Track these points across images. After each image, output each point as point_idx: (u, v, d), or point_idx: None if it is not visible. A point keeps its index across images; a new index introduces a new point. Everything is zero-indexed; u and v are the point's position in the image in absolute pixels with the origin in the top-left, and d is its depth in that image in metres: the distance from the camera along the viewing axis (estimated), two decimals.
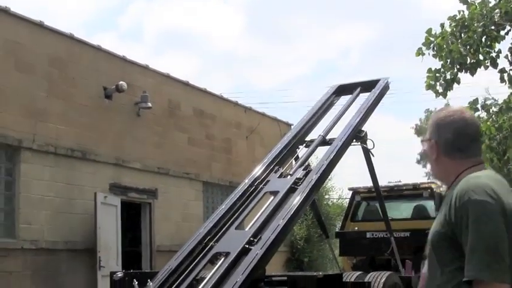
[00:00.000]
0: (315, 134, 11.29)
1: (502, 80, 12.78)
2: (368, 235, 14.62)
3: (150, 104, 17.25)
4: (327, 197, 28.78)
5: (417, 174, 72.07)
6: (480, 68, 12.49)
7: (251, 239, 7.81)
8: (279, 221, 8.05)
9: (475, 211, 2.98)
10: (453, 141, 3.35)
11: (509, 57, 12.78)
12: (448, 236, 3.09)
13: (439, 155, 3.39)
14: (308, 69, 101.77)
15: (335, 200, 30.56)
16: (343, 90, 12.70)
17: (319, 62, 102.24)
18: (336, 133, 10.81)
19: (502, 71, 12.63)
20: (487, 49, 12.45)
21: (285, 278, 7.63)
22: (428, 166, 3.57)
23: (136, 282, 6.12)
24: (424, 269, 3.39)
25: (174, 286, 7.31)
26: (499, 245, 2.95)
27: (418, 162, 70.93)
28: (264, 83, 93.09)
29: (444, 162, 3.39)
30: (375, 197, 13.01)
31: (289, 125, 22.82)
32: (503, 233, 2.97)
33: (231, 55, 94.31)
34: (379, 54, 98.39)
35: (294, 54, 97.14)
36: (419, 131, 71.79)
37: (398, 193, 15.68)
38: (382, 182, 15.53)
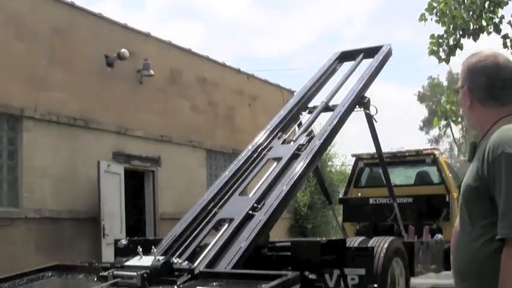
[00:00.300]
0: (317, 101, 11.31)
1: (505, 45, 12.72)
2: (371, 201, 14.70)
3: (152, 72, 17.21)
4: (330, 163, 28.83)
5: (420, 141, 72.25)
6: (483, 33, 12.43)
7: (255, 205, 7.83)
8: (282, 187, 8.08)
9: (508, 165, 2.89)
10: (487, 87, 3.24)
11: None
12: (480, 190, 3.02)
13: (472, 102, 3.29)
14: (312, 38, 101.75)
15: (338, 167, 30.66)
16: (346, 56, 12.70)
17: (322, 30, 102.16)
18: (338, 99, 10.82)
19: (505, 36, 12.57)
20: (490, 15, 12.39)
21: (289, 243, 7.65)
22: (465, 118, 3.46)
23: (141, 249, 6.12)
24: (456, 223, 3.30)
25: (178, 252, 7.31)
26: None
27: (421, 128, 71.01)
28: (268, 52, 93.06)
29: (478, 110, 3.28)
30: (378, 163, 13.05)
31: (292, 92, 22.72)
32: None
33: (235, 24, 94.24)
34: (382, 22, 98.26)
35: (297, 23, 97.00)
36: (422, 97, 71.76)
37: (401, 159, 15.72)
38: (385, 148, 15.58)
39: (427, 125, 70.06)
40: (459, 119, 14.73)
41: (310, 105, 11.16)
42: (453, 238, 3.34)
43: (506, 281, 2.85)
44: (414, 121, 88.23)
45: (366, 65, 12.01)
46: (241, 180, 8.76)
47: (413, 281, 14.84)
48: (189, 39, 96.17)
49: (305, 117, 10.80)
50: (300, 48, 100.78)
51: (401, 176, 16.52)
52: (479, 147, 3.16)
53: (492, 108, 3.23)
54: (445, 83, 66.85)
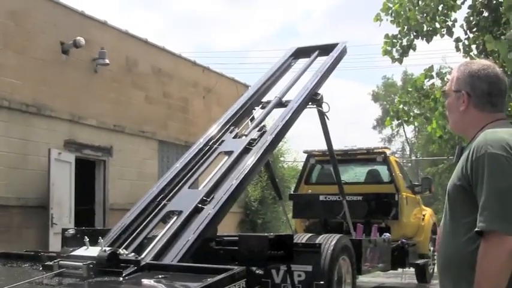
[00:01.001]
0: (271, 96, 11.35)
1: (457, 48, 12.93)
2: (321, 198, 14.77)
3: (107, 61, 17.06)
4: (282, 159, 28.91)
5: (373, 140, 72.88)
6: (436, 36, 12.63)
7: (204, 198, 7.86)
8: (232, 181, 8.11)
9: (491, 164, 3.06)
10: (488, 94, 3.41)
11: (465, 27, 12.93)
12: (464, 188, 3.19)
13: (468, 106, 3.44)
14: (270, 32, 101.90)
15: (290, 163, 30.76)
16: (301, 53, 12.76)
17: (280, 25, 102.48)
18: (292, 95, 10.88)
19: (457, 40, 12.76)
20: (443, 17, 12.56)
21: (236, 238, 7.67)
22: (453, 118, 3.59)
23: (88, 240, 6.09)
24: (442, 221, 3.46)
25: (125, 244, 7.30)
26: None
27: (374, 128, 71.64)
28: (225, 45, 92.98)
29: (472, 115, 3.44)
30: (329, 160, 13.10)
31: (246, 86, 22.69)
32: None
33: (194, 16, 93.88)
34: (341, 18, 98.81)
35: (256, 16, 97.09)
36: (376, 97, 72.38)
37: (352, 157, 15.80)
38: (340, 146, 15.74)
39: (380, 124, 70.73)
40: (411, 119, 14.86)
41: (264, 100, 11.20)
42: (438, 238, 3.52)
43: (483, 273, 3.01)
44: (369, 120, 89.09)
45: (321, 62, 12.09)
46: (191, 173, 8.77)
47: (362, 279, 15.03)
48: (148, 30, 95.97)
49: (258, 112, 10.85)
50: (259, 41, 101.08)
51: (352, 174, 16.64)
52: (466, 149, 3.34)
53: (487, 113, 3.42)
54: (399, 83, 67.50)
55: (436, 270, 3.55)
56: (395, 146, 73.84)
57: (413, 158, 69.79)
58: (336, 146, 14.07)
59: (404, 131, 69.90)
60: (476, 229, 3.03)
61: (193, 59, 22.75)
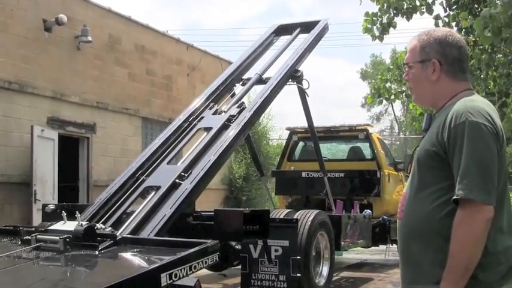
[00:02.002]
0: (252, 73, 11.40)
1: (437, 26, 12.96)
2: (303, 175, 14.85)
3: (90, 38, 17.04)
4: (268, 136, 29.02)
5: (362, 118, 72.92)
6: (416, 13, 12.65)
7: (182, 173, 7.93)
8: (210, 157, 8.18)
9: (472, 132, 3.03)
10: (459, 60, 3.36)
11: (444, 4, 12.98)
12: (438, 154, 3.14)
13: (440, 75, 3.35)
14: (260, 10, 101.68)
15: (276, 141, 30.85)
16: (283, 30, 12.79)
17: (270, 3, 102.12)
18: (273, 73, 10.92)
19: (437, 17, 12.80)
20: None
21: (212, 213, 7.75)
22: (419, 90, 3.48)
23: (65, 214, 6.16)
24: (406, 188, 3.40)
25: (104, 219, 7.37)
26: (491, 167, 3.04)
27: (363, 106, 71.66)
28: (214, 23, 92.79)
29: (444, 83, 3.36)
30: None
31: (231, 64, 22.66)
32: (495, 156, 3.07)
33: None
34: None
35: None
36: (364, 75, 72.39)
37: (334, 134, 15.84)
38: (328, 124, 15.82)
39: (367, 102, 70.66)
40: (392, 97, 14.93)
41: (245, 77, 11.25)
42: (401, 203, 3.42)
43: (458, 242, 2.99)
44: (358, 98, 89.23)
45: (303, 39, 12.13)
46: (170, 149, 8.84)
47: (346, 255, 15.17)
48: (136, 8, 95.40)
49: (238, 88, 10.90)
50: (250, 19, 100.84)
51: (334, 151, 16.70)
52: (437, 116, 3.30)
53: (459, 81, 3.36)
54: (388, 61, 67.50)
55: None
56: (384, 124, 74.09)
57: (401, 136, 69.92)
58: (324, 124, 14.14)
59: (393, 109, 70.01)
60: (454, 197, 3.00)
61: (177, 37, 22.73)
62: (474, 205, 2.96)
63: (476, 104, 3.17)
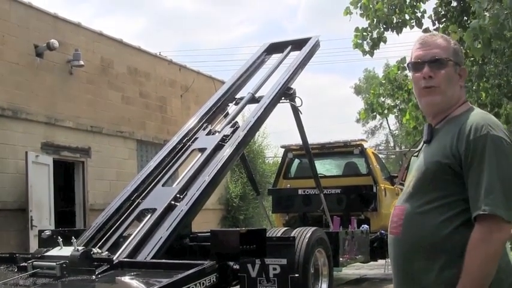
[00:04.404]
0: (245, 92, 11.42)
1: None
2: (300, 192, 14.86)
3: (82, 62, 17.09)
4: (263, 155, 29.03)
5: (357, 133, 73.01)
6: (406, 27, 12.69)
7: (177, 195, 7.92)
8: (205, 178, 8.18)
9: (494, 146, 2.93)
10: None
11: (433, 17, 13.03)
12: (450, 167, 3.02)
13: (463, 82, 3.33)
14: (254, 30, 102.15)
15: (271, 159, 30.88)
16: (274, 48, 12.80)
17: (265, 22, 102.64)
18: (265, 91, 10.94)
19: (426, 30, 12.82)
20: (412, 9, 12.65)
21: (209, 233, 7.74)
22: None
23: (61, 240, 6.15)
24: (402, 200, 3.25)
25: (100, 243, 7.36)
26: None
27: (357, 121, 71.67)
28: (210, 44, 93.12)
29: (463, 93, 3.33)
30: None
31: (224, 83, 22.73)
32: None
33: (176, 15, 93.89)
34: (325, 13, 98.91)
35: (242, 14, 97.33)
36: (358, 90, 72.48)
37: (329, 150, 15.86)
38: (325, 140, 15.86)
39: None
40: (385, 111, 14.94)
41: (238, 96, 11.26)
42: (397, 217, 3.24)
43: (477, 259, 2.87)
44: (353, 113, 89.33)
45: (294, 57, 12.16)
46: (165, 171, 8.84)
47: (345, 271, 15.14)
48: (130, 31, 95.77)
49: (232, 108, 10.91)
50: (243, 39, 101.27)
51: (329, 167, 16.71)
52: (444, 127, 3.20)
53: (463, 91, 3.34)
54: (381, 75, 67.55)
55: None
56: (380, 138, 74.07)
57: (397, 149, 69.94)
58: (323, 140, 14.14)
59: (387, 123, 70.07)
60: (480, 212, 2.87)
61: (169, 58, 22.81)
62: (495, 222, 2.86)
63: (492, 117, 3.12)
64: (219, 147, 8.98)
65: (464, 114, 3.13)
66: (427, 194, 3.08)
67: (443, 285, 2.98)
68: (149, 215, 7.67)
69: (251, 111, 10.54)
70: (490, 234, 2.86)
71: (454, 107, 3.23)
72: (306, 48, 12.14)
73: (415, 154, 3.37)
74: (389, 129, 72.69)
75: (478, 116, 3.08)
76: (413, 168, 3.26)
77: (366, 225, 13.82)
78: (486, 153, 2.92)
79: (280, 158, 17.16)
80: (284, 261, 9.08)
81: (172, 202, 7.78)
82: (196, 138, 9.51)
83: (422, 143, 3.33)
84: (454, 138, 3.02)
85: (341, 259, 11.72)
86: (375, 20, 12.46)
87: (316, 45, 12.49)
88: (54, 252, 6.18)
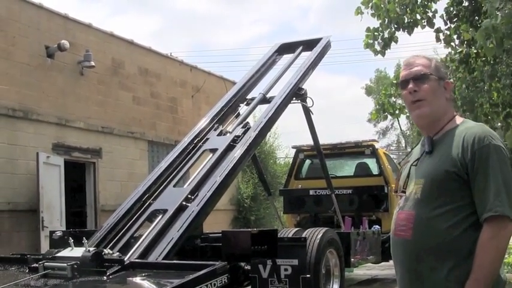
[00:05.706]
0: (256, 92, 11.41)
1: (438, 39, 13.00)
2: (311, 193, 14.81)
3: (93, 63, 17.10)
4: (275, 155, 29.00)
5: (369, 133, 72.90)
6: (417, 27, 12.63)
7: (188, 196, 7.92)
8: (216, 178, 8.17)
9: (497, 154, 3.24)
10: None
11: (445, 17, 12.98)
12: (458, 175, 3.26)
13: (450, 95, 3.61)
14: (266, 30, 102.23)
15: (282, 159, 30.83)
16: (285, 48, 12.80)
17: (277, 23, 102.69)
18: (277, 91, 10.92)
19: (438, 30, 12.80)
20: (423, 9, 12.60)
21: (220, 234, 7.73)
22: (423, 108, 3.50)
23: (72, 241, 6.15)
24: (408, 206, 3.45)
25: (111, 244, 7.36)
26: None
27: (369, 121, 71.55)
28: (220, 44, 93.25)
29: (450, 104, 3.58)
30: None
31: (235, 84, 22.72)
32: None
33: (189, 15, 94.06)
34: (337, 13, 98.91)
35: (254, 15, 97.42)
36: (368, 91, 72.33)
37: (341, 151, 15.81)
38: (337, 140, 15.82)
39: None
40: (396, 112, 14.88)
41: (249, 96, 11.25)
42: (407, 221, 3.44)
43: (489, 256, 3.15)
44: (364, 114, 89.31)
45: (305, 57, 12.14)
46: (176, 171, 8.83)
47: (356, 272, 15.08)
48: (143, 31, 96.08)
49: (243, 108, 10.90)
50: (256, 39, 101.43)
51: (341, 168, 16.66)
52: (444, 138, 3.43)
53: (449, 101, 3.61)
54: (392, 76, 67.36)
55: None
56: (391, 138, 73.92)
57: (408, 149, 69.70)
58: (335, 140, 14.07)
59: (399, 123, 69.88)
60: (492, 213, 3.14)
61: (180, 58, 22.80)
62: (503, 221, 3.15)
63: (489, 128, 3.41)
64: (230, 147, 8.98)
65: (462, 125, 3.43)
66: (436, 200, 3.32)
67: (452, 283, 3.23)
68: (160, 216, 7.68)
69: (262, 112, 10.52)
70: (499, 232, 3.15)
71: (444, 118, 3.49)
72: (317, 49, 12.12)
73: (414, 163, 3.56)
74: (401, 129, 72.46)
75: (477, 127, 3.37)
76: (416, 177, 3.48)
77: (377, 226, 13.76)
78: (490, 161, 3.23)
79: (292, 159, 17.10)
80: (295, 261, 9.05)
81: (184, 203, 7.78)
82: (207, 139, 9.51)
83: (421, 153, 3.56)
84: (459, 148, 3.30)
85: (352, 260, 11.66)
86: (386, 19, 12.42)
87: (327, 46, 12.47)
88: (65, 253, 6.18)
